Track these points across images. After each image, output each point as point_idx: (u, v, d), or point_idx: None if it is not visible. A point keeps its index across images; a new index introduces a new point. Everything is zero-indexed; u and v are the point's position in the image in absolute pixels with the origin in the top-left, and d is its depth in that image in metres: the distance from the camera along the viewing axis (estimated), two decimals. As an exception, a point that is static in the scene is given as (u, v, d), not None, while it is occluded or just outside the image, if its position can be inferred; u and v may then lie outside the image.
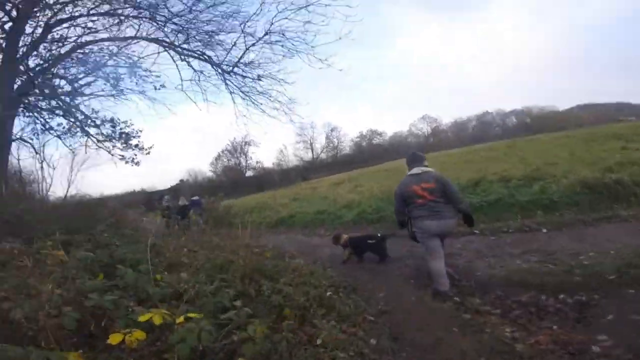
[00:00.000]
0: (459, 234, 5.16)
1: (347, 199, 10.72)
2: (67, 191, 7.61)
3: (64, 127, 7.87)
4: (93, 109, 7.91)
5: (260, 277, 3.01)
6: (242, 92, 8.07)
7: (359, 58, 59.75)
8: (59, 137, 7.89)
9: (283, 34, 7.37)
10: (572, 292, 3.00)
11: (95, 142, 7.92)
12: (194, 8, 7.20)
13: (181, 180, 38.97)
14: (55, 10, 6.98)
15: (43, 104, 7.60)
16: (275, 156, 45.19)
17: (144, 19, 7.32)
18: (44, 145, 7.96)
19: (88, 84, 7.80)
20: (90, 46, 7.58)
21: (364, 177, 16.38)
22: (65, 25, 7.20)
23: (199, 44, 7.73)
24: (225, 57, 7.79)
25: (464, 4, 76.47)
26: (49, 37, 7.14)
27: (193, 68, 8.00)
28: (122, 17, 7.27)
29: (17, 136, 7.20)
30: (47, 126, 7.82)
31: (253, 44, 7.55)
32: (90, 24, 7.38)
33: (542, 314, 2.83)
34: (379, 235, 5.09)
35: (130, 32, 7.53)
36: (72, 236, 3.75)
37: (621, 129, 12.00)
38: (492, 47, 74.77)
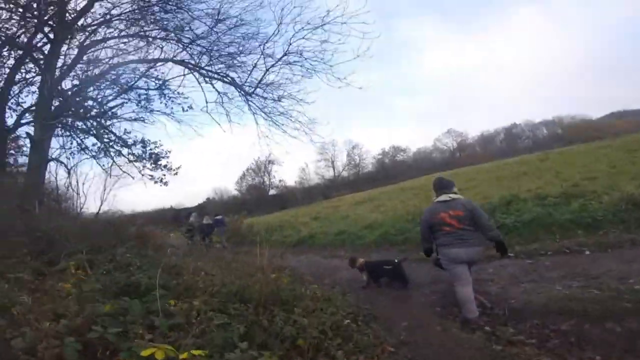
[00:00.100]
0: (491, 257, 4.79)
1: (369, 219, 10.34)
2: (100, 208, 7.90)
3: (98, 147, 8.24)
4: (125, 129, 8.27)
5: (275, 305, 2.93)
6: (264, 112, 8.28)
7: (379, 74, 60.17)
8: (93, 157, 8.25)
9: (301, 54, 7.58)
10: (620, 320, 2.70)
11: (127, 162, 8.22)
12: (215, 29, 7.59)
13: (207, 199, 40.41)
14: (89, 31, 7.55)
15: (78, 124, 8.04)
16: (297, 174, 45.54)
17: (170, 41, 7.79)
18: (77, 164, 8.34)
19: (119, 105, 8.22)
20: (120, 67, 8.09)
21: (386, 195, 16.03)
22: (98, 47, 7.78)
23: (222, 65, 8.09)
24: (247, 79, 8.07)
25: (483, 14, 75.85)
26: (84, 58, 7.69)
27: (217, 90, 8.34)
28: (150, 39, 7.75)
29: (52, 156, 7.58)
30: (83, 146, 8.24)
31: (272, 65, 7.79)
32: (122, 45, 7.96)
33: (583, 344, 2.55)
34: (396, 260, 4.89)
35: (156, 53, 7.99)
36: (95, 256, 3.87)
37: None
38: (516, 57, 72.89)
